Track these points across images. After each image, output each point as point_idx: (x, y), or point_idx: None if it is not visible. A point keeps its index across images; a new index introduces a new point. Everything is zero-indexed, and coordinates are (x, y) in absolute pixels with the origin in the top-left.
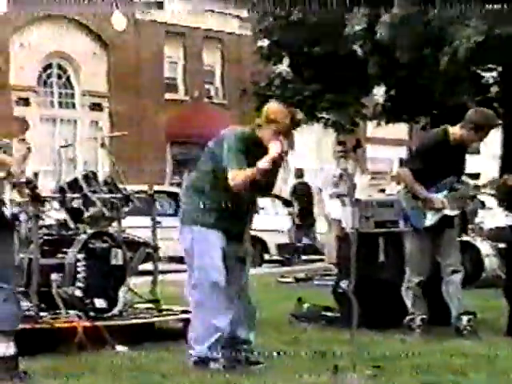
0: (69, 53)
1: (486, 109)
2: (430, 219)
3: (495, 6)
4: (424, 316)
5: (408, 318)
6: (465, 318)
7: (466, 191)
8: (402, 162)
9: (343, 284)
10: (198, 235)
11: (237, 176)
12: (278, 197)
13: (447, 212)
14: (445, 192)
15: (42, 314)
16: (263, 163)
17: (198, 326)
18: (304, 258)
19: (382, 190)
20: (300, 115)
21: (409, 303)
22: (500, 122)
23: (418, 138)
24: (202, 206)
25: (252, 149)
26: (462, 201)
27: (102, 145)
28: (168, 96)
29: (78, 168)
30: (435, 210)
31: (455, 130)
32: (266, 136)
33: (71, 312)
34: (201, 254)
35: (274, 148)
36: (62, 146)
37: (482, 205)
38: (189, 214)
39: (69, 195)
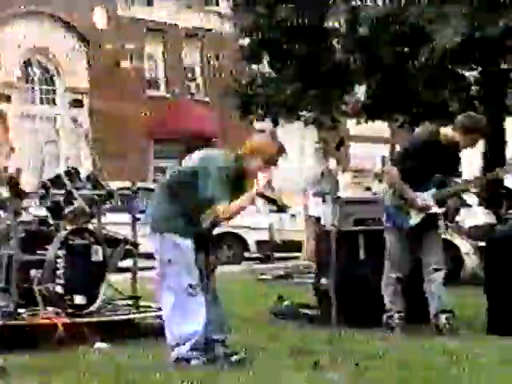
0: (50, 49)
1: (475, 114)
2: (414, 219)
3: (475, 7)
4: (402, 313)
5: (386, 315)
6: (443, 316)
7: (456, 189)
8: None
9: (324, 281)
10: (170, 242)
11: (226, 210)
12: (274, 201)
13: (433, 210)
14: (433, 190)
15: (20, 310)
16: (251, 195)
17: (175, 329)
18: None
19: (368, 189)
20: (284, 148)
21: (387, 299)
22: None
23: (403, 136)
24: (174, 214)
25: (235, 178)
26: (450, 198)
27: (86, 136)
28: (149, 93)
29: (60, 164)
30: (420, 210)
31: (447, 132)
32: (252, 166)
33: (49, 309)
34: (175, 260)
35: (263, 180)
36: (46, 142)
37: (463, 203)
38: (161, 221)
39: (51, 192)
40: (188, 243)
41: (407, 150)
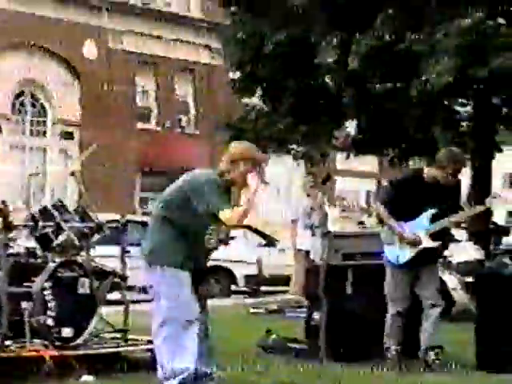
0: (41, 81)
1: (454, 148)
2: (407, 255)
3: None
4: (397, 347)
5: (384, 346)
6: (432, 353)
7: (447, 221)
8: (369, 195)
9: (316, 316)
10: (168, 275)
11: (232, 215)
12: (264, 235)
13: (425, 245)
14: (426, 225)
15: (7, 342)
16: (250, 196)
17: (166, 363)
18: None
19: (361, 223)
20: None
21: (385, 332)
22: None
23: (390, 172)
24: (172, 246)
25: (224, 191)
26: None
27: (72, 173)
28: (140, 125)
29: (46, 196)
30: (411, 245)
31: (430, 170)
32: (238, 175)
33: (37, 341)
34: (173, 293)
35: (254, 181)
36: (30, 174)
37: (452, 238)
38: (158, 253)
39: (41, 223)
40: (187, 276)
41: (391, 186)
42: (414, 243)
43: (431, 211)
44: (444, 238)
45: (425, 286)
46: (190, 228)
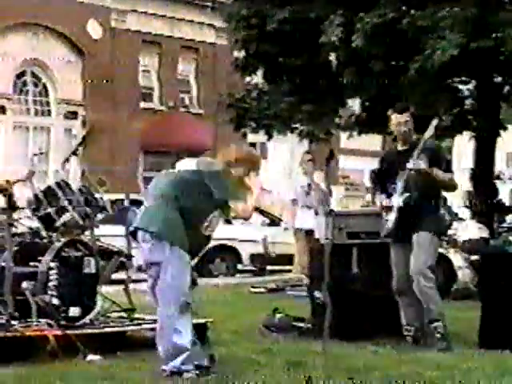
0: (44, 60)
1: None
2: (389, 225)
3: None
4: (415, 325)
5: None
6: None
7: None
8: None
9: (317, 294)
10: (177, 255)
11: (247, 208)
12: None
13: (395, 203)
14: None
15: (12, 322)
16: (256, 191)
17: (168, 343)
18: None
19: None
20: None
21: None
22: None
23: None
24: (180, 226)
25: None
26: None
27: (74, 152)
28: (143, 105)
29: (50, 176)
30: (388, 210)
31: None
32: (239, 173)
33: (42, 320)
34: (178, 273)
35: (257, 183)
36: (35, 154)
37: (456, 216)
38: (170, 230)
39: (44, 203)
40: (188, 260)
41: (380, 160)
42: (388, 207)
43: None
44: (425, 202)
45: (411, 257)
46: (194, 213)
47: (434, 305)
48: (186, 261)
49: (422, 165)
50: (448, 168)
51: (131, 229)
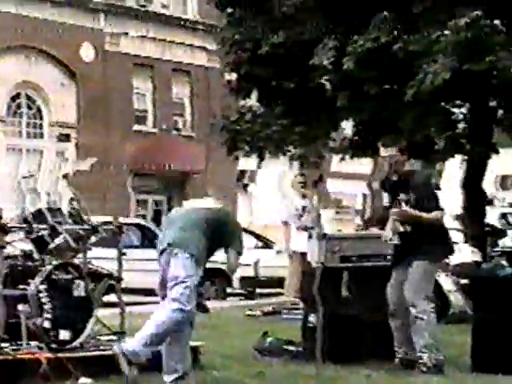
0: (38, 83)
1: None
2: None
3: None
4: (404, 350)
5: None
6: (425, 354)
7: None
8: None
9: (312, 318)
10: (191, 264)
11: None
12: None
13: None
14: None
15: (2, 344)
16: None
17: (176, 356)
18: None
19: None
20: None
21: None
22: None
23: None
24: (200, 244)
25: None
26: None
27: (64, 176)
28: (136, 127)
29: (42, 198)
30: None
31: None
32: None
33: (32, 343)
34: (192, 280)
35: None
36: (24, 177)
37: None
38: (186, 243)
39: (35, 226)
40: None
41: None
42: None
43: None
44: (420, 233)
45: (406, 285)
46: (212, 242)
47: (423, 337)
48: (197, 275)
49: (390, 235)
50: (437, 205)
51: (162, 247)
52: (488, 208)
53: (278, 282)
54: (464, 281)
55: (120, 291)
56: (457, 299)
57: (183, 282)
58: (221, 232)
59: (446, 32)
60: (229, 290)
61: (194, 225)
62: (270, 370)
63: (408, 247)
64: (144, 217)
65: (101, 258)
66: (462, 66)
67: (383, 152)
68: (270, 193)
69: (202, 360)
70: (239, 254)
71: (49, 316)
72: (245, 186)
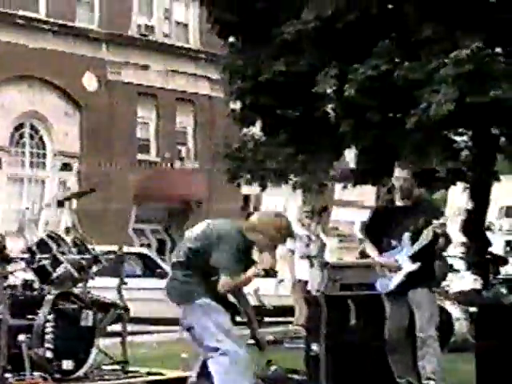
0: (41, 113)
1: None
2: (394, 283)
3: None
4: (407, 379)
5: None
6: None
7: (420, 243)
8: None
9: (315, 347)
10: (209, 306)
11: (227, 284)
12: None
13: (405, 269)
14: (405, 249)
15: (6, 375)
16: (254, 273)
17: None
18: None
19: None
20: (290, 229)
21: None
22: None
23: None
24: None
25: (245, 248)
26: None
27: (59, 203)
28: (140, 156)
29: (40, 228)
30: (393, 270)
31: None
32: (259, 242)
33: (36, 374)
34: (220, 323)
35: (266, 260)
36: (27, 208)
37: (450, 267)
38: (189, 290)
39: (38, 256)
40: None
41: (372, 213)
42: (394, 268)
43: (407, 234)
44: (427, 259)
45: (416, 314)
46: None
47: (431, 364)
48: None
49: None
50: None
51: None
52: (491, 235)
53: (283, 311)
54: (472, 309)
55: (127, 321)
56: (461, 327)
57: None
58: None
59: (447, 61)
60: (237, 319)
61: None
62: None
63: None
64: (149, 246)
65: (101, 287)
66: (465, 99)
67: (398, 173)
68: None
69: None
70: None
71: (50, 346)
72: (249, 215)
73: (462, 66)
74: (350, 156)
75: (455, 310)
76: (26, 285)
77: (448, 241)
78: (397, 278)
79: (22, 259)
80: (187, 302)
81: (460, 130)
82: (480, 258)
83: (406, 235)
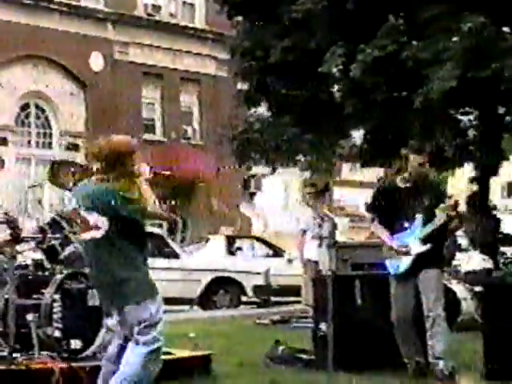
0: (46, 93)
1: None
2: (404, 264)
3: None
4: (416, 359)
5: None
6: (441, 362)
7: (436, 222)
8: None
9: (322, 326)
10: (159, 301)
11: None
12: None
13: (415, 251)
14: (417, 231)
15: (15, 354)
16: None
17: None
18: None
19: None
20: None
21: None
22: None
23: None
24: (143, 276)
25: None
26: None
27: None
28: (145, 137)
29: (45, 208)
30: (404, 255)
31: (391, 177)
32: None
33: (44, 353)
34: (162, 322)
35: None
36: (29, 187)
37: (459, 247)
38: (139, 290)
39: (49, 235)
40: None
41: (377, 193)
42: (405, 252)
43: (420, 216)
44: (438, 241)
45: (422, 295)
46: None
47: (440, 343)
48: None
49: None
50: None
51: None
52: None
53: (292, 291)
54: (478, 288)
55: None
56: (469, 306)
57: None
58: None
59: (454, 39)
60: (243, 299)
61: None
62: (282, 379)
63: (416, 259)
64: (161, 226)
65: None
66: (468, 74)
67: (418, 159)
68: (276, 201)
69: (214, 368)
70: None
71: (59, 325)
72: (251, 195)
73: (465, 41)
74: (357, 135)
75: (462, 290)
76: (38, 265)
77: (461, 222)
78: (407, 260)
79: (33, 239)
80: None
81: (466, 109)
82: (489, 238)
83: (419, 217)
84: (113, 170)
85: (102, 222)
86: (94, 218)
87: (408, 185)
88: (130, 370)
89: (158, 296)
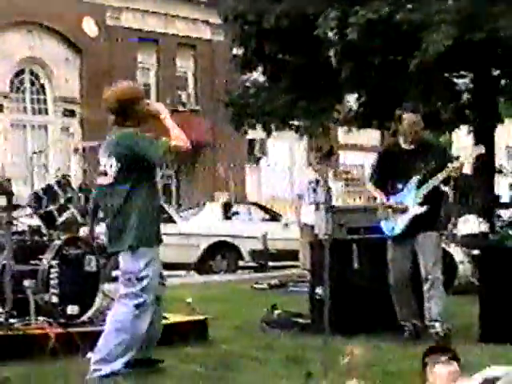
0: (41, 58)
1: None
2: (400, 226)
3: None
4: (412, 322)
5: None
6: (437, 324)
7: (433, 182)
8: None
9: (319, 290)
10: (151, 258)
11: (178, 140)
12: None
13: (413, 212)
14: (413, 192)
15: (12, 320)
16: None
17: (115, 344)
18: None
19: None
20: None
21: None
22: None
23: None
24: (143, 224)
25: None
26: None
27: (75, 150)
28: None
29: (51, 174)
30: (400, 213)
31: (392, 139)
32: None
33: (41, 319)
34: (153, 276)
35: (159, 107)
36: (34, 153)
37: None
38: (135, 235)
39: (45, 202)
40: (158, 253)
41: (378, 156)
42: (402, 210)
43: (416, 177)
44: (435, 202)
45: (420, 258)
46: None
47: (437, 306)
48: (157, 258)
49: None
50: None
51: None
52: (497, 179)
53: (289, 255)
54: (475, 251)
55: None
56: (465, 270)
57: None
58: None
59: (449, 2)
60: (240, 263)
61: None
62: (278, 343)
63: (413, 221)
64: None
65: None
66: (464, 36)
67: (411, 118)
68: (280, 165)
69: (210, 333)
70: None
71: (55, 291)
72: (257, 160)
73: (460, 4)
74: (351, 99)
75: (459, 253)
76: (35, 231)
77: (469, 183)
78: (403, 221)
79: (29, 206)
80: (133, 248)
81: (461, 72)
82: (486, 201)
83: (414, 179)
84: (128, 117)
85: (111, 168)
86: (110, 163)
87: (412, 147)
88: (116, 321)
89: (155, 248)
